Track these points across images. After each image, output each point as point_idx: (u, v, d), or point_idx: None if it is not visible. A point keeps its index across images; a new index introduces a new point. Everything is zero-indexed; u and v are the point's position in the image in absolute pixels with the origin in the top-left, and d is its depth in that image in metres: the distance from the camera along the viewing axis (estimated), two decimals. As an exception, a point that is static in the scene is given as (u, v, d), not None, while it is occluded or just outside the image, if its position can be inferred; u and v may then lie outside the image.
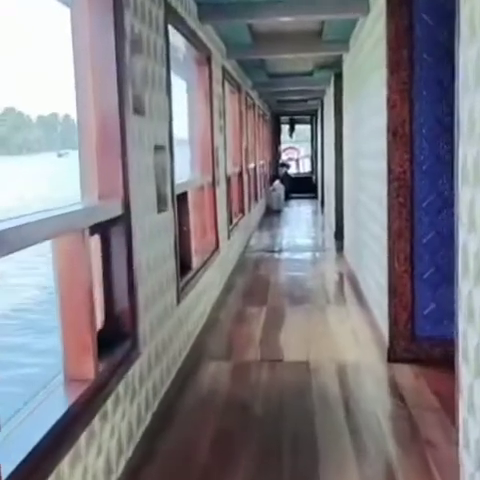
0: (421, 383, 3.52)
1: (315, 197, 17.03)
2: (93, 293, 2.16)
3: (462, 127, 2.13)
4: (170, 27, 3.57)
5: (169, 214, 3.45)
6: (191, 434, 3.02)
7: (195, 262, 4.45)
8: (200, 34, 4.69)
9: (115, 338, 2.54)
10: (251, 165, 10.09)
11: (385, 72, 3.78)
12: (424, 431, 2.94)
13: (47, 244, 1.97)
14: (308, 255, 8.33)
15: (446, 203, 3.73)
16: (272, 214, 13.62)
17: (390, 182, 3.77)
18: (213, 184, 5.35)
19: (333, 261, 7.82)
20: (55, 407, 1.93)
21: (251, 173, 10.18)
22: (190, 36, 4.32)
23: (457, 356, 2.28)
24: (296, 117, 20.08)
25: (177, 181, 3.71)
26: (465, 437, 2.15)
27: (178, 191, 3.80)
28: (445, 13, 3.59)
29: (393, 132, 3.74)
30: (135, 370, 2.65)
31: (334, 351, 4.15)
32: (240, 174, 8.34)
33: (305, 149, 24.04)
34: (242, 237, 8.19)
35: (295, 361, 3.98)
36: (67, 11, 2.52)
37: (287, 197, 16.36)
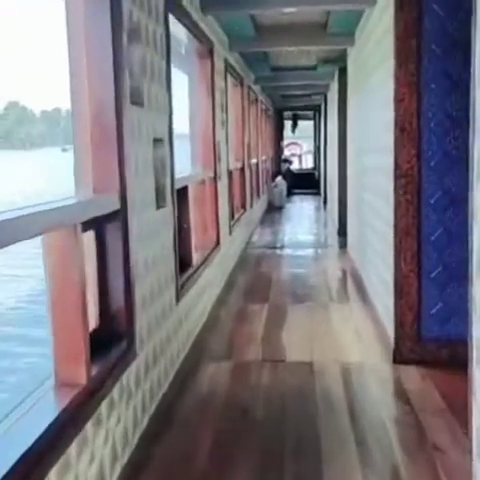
0: (428, 385, 3.41)
1: (318, 193, 16.91)
2: (86, 293, 2.05)
3: (477, 122, 2.01)
4: (171, 16, 3.45)
5: (168, 209, 3.34)
6: (190, 439, 2.91)
7: (195, 259, 4.34)
8: (202, 25, 4.57)
9: (110, 339, 2.43)
10: (253, 160, 9.97)
11: (393, 64, 3.66)
12: (432, 436, 2.83)
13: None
14: (311, 252, 8.21)
15: (454, 200, 3.62)
16: (274, 210, 13.50)
17: (397, 178, 3.66)
18: (215, 179, 5.23)
19: (336, 258, 7.70)
20: (44, 414, 1.82)
21: (253, 168, 10.06)
22: (192, 27, 4.20)
23: (471, 360, 2.16)
24: (299, 112, 19.92)
25: (177, 175, 3.60)
26: (479, 446, 2.04)
27: (178, 186, 3.69)
28: (456, 3, 3.48)
29: (401, 127, 3.62)
30: (131, 372, 2.54)
31: (338, 351, 4.03)
32: (242, 169, 8.22)
33: (307, 145, 23.90)
34: (244, 233, 8.08)
35: (298, 362, 3.87)
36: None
37: (289, 193, 16.24)
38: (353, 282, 6.01)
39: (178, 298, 3.51)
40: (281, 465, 2.67)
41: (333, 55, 7.91)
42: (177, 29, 3.97)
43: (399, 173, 3.65)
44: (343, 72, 8.16)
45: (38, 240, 1.88)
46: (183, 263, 3.95)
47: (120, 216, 2.47)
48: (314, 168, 20.07)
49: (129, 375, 2.52)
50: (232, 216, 6.70)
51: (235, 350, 4.12)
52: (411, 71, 3.59)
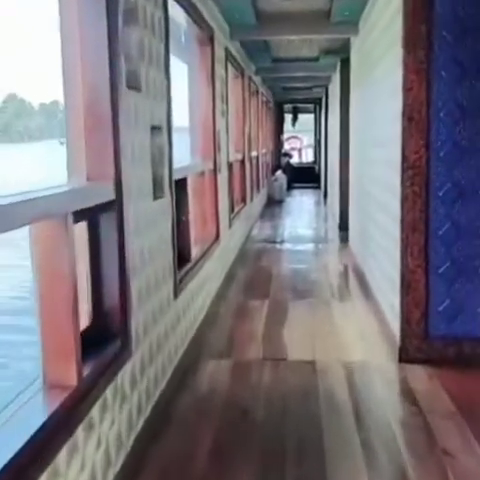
0: (435, 385, 3.28)
1: (318, 187, 16.77)
2: (77, 287, 1.91)
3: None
4: (169, -1, 3.30)
5: (166, 200, 3.19)
6: (188, 440, 2.78)
7: (194, 253, 4.20)
8: (202, 9, 4.41)
9: (104, 336, 2.29)
10: (254, 153, 9.81)
11: (401, 51, 3.51)
12: (441, 439, 2.70)
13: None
14: (311, 246, 8.08)
15: (463, 192, 3.50)
16: (274, 204, 13.36)
17: (404, 170, 3.52)
18: (214, 170, 5.09)
19: (337, 252, 7.57)
20: (31, 418, 1.69)
21: (253, 161, 9.91)
22: (191, 10, 4.04)
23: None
24: (299, 105, 19.74)
25: (176, 165, 3.45)
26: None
27: (177, 176, 3.54)
28: (468, -14, 3.34)
29: (409, 116, 3.48)
30: (126, 372, 2.40)
31: (341, 350, 3.90)
32: (242, 161, 8.07)
33: (308, 139, 23.71)
34: (243, 227, 7.93)
35: (300, 360, 3.73)
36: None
37: (289, 187, 16.09)
38: (355, 277, 5.88)
39: (176, 293, 3.37)
40: (283, 468, 2.55)
41: (336, 45, 7.75)
42: (176, 13, 3.82)
43: (406, 165, 3.51)
44: (345, 63, 8.01)
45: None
46: (182, 257, 3.81)
47: (115, 206, 2.33)
48: (314, 162, 19.92)
49: (124, 375, 2.38)
50: (232, 209, 6.55)
51: (235, 347, 3.98)
52: (420, 58, 3.45)
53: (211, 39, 4.92)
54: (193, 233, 4.30)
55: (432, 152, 3.48)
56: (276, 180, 14.35)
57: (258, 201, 11.02)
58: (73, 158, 2.28)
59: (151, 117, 2.91)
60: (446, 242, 3.52)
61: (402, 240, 3.56)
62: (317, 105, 18.15)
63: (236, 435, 2.82)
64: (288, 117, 21.11)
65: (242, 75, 7.80)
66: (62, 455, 1.73)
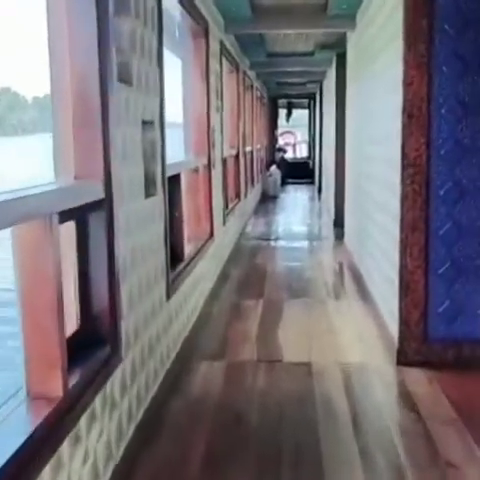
0: (435, 390, 3.18)
1: (312, 183, 16.68)
2: (62, 292, 1.79)
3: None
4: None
5: (159, 198, 3.08)
6: (180, 448, 2.68)
7: (187, 251, 4.09)
8: (196, 1, 4.29)
9: (93, 342, 2.19)
10: (248, 148, 9.69)
11: (401, 45, 3.41)
12: (443, 449, 2.61)
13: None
14: (306, 243, 7.98)
15: (465, 191, 3.41)
16: (268, 200, 13.25)
17: (404, 168, 3.42)
18: (208, 166, 4.97)
19: (333, 250, 7.47)
20: (13, 434, 1.58)
21: (248, 157, 9.79)
22: (185, 1, 3.92)
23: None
24: (294, 101, 19.61)
25: (169, 162, 3.34)
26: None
27: (170, 173, 3.43)
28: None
29: (409, 113, 3.38)
30: (116, 379, 2.30)
31: (337, 351, 3.80)
32: (237, 157, 7.95)
33: (302, 134, 23.57)
34: (238, 224, 7.82)
35: (295, 362, 3.63)
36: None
37: (283, 182, 16.00)
38: (351, 276, 5.78)
39: (169, 294, 3.27)
40: (278, 475, 2.46)
41: (332, 40, 7.64)
42: (170, 4, 3.70)
43: (406, 162, 3.41)
44: (341, 58, 7.89)
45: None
46: (175, 256, 3.71)
47: (104, 205, 2.22)
48: (308, 157, 19.81)
49: (114, 381, 2.27)
50: (226, 206, 6.44)
51: (229, 349, 3.87)
52: (421, 52, 3.34)
53: (206, 32, 4.79)
54: (186, 231, 4.19)
55: (433, 150, 3.38)
56: (270, 175, 14.24)
57: (252, 197, 10.91)
58: (60, 155, 2.17)
59: (143, 112, 2.79)
60: (447, 242, 3.42)
61: (401, 240, 3.46)
62: (311, 100, 18.04)
63: (230, 440, 2.73)
64: (282, 112, 20.99)
65: (237, 70, 7.68)
66: (45, 473, 1.62)
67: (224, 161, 6.17)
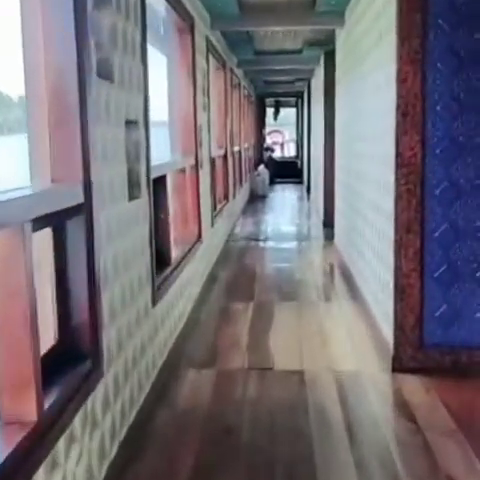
0: (433, 398, 3.06)
1: (300, 182, 16.57)
2: (36, 306, 1.65)
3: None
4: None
5: (143, 201, 2.94)
6: (166, 464, 2.54)
7: (174, 255, 3.94)
8: (182, -4, 4.15)
9: (72, 357, 2.04)
10: (236, 148, 9.56)
11: (394, 41, 3.29)
12: (443, 461, 2.49)
13: None
14: (296, 244, 7.84)
15: (461, 191, 3.29)
16: (257, 199, 13.12)
17: (398, 167, 3.30)
18: (196, 167, 4.83)
19: (323, 251, 7.35)
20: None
21: (236, 156, 9.65)
22: (170, -4, 3.78)
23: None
24: (281, 99, 19.50)
25: (154, 162, 3.20)
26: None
27: (155, 174, 3.29)
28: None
29: (403, 110, 3.26)
30: (97, 395, 2.15)
31: (330, 358, 3.67)
32: (225, 157, 7.81)
33: (290, 133, 23.46)
34: (226, 225, 7.68)
35: (287, 370, 3.49)
36: None
37: (272, 182, 15.88)
38: (342, 278, 5.66)
39: (154, 301, 3.12)
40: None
41: (320, 37, 7.51)
42: (154, 0, 3.56)
43: (400, 162, 3.29)
44: (330, 56, 7.77)
45: None
46: (161, 260, 3.57)
47: (84, 209, 2.08)
48: (297, 156, 19.71)
49: (95, 398, 2.13)
50: (214, 207, 6.30)
51: (218, 356, 3.73)
52: (415, 48, 3.23)
53: (191, 28, 4.65)
54: (173, 234, 4.05)
55: (428, 149, 3.27)
56: (259, 175, 14.11)
57: (241, 197, 10.77)
58: (36, 156, 2.02)
59: (126, 111, 2.65)
60: (443, 244, 3.31)
61: (396, 242, 3.34)
62: (299, 99, 17.93)
63: (220, 452, 2.60)
64: (270, 111, 20.87)
65: (224, 67, 7.54)
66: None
67: (212, 161, 6.03)
